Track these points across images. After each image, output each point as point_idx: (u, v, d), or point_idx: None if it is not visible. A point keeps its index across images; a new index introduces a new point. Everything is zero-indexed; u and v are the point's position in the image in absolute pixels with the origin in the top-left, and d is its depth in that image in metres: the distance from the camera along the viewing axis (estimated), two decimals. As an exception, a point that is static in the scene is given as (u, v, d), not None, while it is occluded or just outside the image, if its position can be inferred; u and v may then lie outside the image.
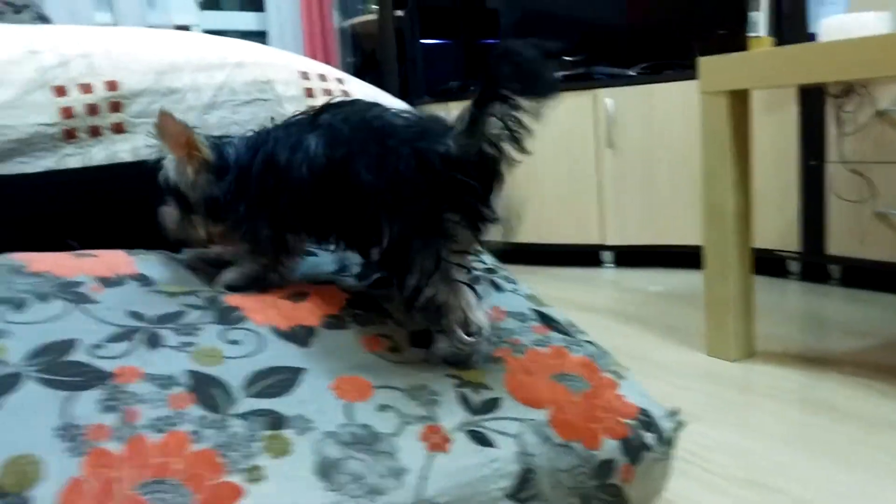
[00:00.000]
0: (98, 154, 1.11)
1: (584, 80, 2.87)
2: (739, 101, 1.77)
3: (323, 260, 1.12)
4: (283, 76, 1.33)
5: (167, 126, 0.96)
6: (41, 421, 0.71)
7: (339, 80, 1.44)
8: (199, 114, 1.24)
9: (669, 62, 2.85)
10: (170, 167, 1.00)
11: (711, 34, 2.84)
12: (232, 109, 1.27)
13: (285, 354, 0.86)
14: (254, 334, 0.89)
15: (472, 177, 0.78)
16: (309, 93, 1.37)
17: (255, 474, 0.69)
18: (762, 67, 1.67)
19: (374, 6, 3.28)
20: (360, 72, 3.49)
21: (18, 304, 0.87)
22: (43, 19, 2.34)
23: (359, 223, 0.86)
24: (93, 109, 1.13)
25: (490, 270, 1.13)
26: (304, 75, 1.39)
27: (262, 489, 0.68)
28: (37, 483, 0.66)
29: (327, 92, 1.39)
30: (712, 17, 2.88)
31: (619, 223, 2.95)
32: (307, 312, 0.95)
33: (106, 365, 0.79)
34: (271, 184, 0.92)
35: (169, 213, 1.01)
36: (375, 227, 0.82)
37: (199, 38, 1.35)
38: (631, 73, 2.91)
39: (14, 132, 1.03)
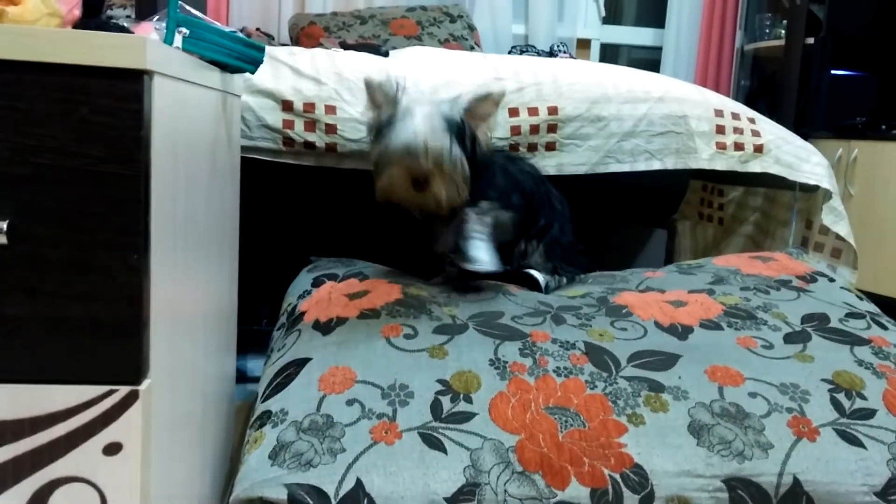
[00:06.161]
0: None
1: None
2: None
3: (696, 278, 1.27)
4: (698, 112, 1.49)
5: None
6: (480, 353, 0.99)
7: (751, 120, 1.55)
8: (618, 140, 1.46)
9: None
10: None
11: None
12: (647, 139, 1.48)
13: (664, 343, 1.05)
14: (639, 325, 1.08)
15: None
16: (720, 130, 1.50)
17: (636, 419, 0.89)
18: None
19: (781, 31, 3.22)
20: (754, 96, 3.44)
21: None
22: (471, 28, 2.80)
23: None
24: (534, 129, 1.42)
25: (875, 314, 1.16)
26: (718, 113, 1.53)
27: (642, 430, 0.87)
28: (476, 390, 0.92)
29: (738, 130, 1.50)
30: None
31: None
32: (686, 315, 1.12)
33: (524, 328, 1.06)
34: None
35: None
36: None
37: (629, 72, 1.58)
38: None
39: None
